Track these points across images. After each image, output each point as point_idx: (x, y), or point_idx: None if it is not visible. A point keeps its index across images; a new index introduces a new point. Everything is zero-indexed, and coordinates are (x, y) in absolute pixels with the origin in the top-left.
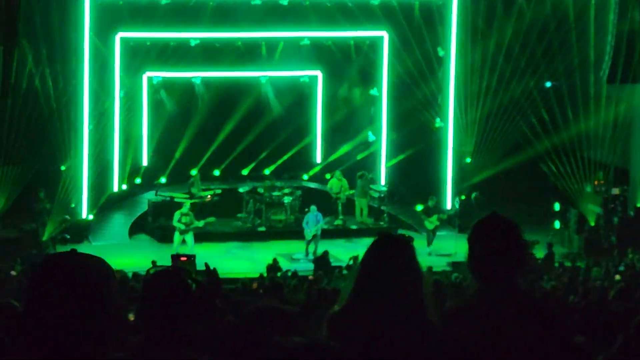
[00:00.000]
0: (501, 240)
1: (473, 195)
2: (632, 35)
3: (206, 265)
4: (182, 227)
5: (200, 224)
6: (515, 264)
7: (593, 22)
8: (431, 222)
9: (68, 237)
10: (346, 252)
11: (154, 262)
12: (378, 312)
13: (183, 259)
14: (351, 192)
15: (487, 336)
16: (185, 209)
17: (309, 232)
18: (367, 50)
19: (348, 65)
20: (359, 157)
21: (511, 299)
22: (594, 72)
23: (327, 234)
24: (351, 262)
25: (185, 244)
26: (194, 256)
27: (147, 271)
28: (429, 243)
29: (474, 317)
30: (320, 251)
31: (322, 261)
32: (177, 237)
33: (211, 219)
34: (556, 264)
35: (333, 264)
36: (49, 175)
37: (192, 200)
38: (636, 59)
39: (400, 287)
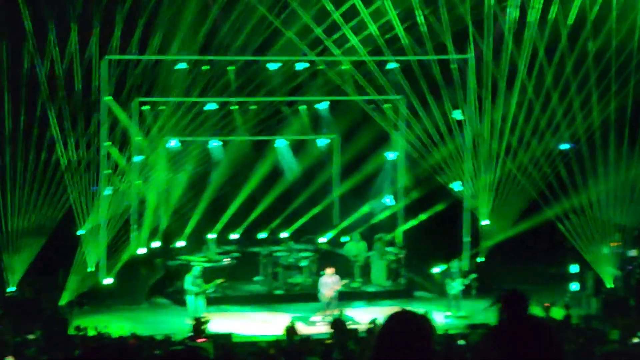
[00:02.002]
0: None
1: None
2: None
3: (221, 344)
4: (196, 289)
5: (210, 287)
6: None
7: (614, 83)
8: (454, 287)
9: (86, 301)
10: (364, 315)
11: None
12: None
13: (200, 340)
14: (369, 254)
15: None
16: (197, 272)
17: (325, 295)
18: (386, 112)
19: (365, 128)
20: (377, 219)
21: None
22: (614, 132)
23: (344, 297)
24: (371, 326)
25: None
26: (213, 337)
27: (166, 349)
28: (450, 307)
29: None
30: (337, 314)
31: (338, 324)
32: (190, 301)
33: (218, 281)
34: (573, 326)
35: (350, 327)
36: (67, 239)
37: (209, 264)
38: None
39: None
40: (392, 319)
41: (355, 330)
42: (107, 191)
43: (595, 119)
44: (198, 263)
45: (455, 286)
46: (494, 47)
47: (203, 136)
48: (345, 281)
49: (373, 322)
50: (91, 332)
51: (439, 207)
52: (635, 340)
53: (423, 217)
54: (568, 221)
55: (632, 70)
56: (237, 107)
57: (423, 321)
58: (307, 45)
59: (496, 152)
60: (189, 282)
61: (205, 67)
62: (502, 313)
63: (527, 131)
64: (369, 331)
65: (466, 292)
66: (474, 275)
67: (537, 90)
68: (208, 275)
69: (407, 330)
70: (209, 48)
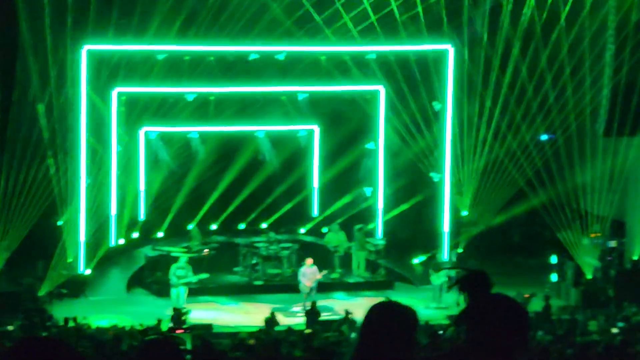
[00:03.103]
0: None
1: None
2: (628, 88)
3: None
4: (175, 280)
5: (194, 279)
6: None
7: (589, 75)
8: (438, 278)
9: (65, 291)
10: (343, 306)
11: (159, 321)
12: None
13: (179, 331)
14: (349, 245)
15: None
16: (182, 262)
17: (305, 285)
18: (364, 104)
19: (345, 119)
20: (356, 210)
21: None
22: (590, 124)
23: (324, 288)
24: (347, 316)
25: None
26: (193, 328)
27: (142, 339)
28: (434, 299)
29: None
30: (317, 305)
31: (312, 314)
32: (173, 291)
33: (204, 275)
34: (553, 317)
35: (329, 318)
36: (47, 230)
37: (190, 255)
38: (632, 112)
39: (400, 354)
40: (375, 310)
41: (334, 321)
42: (87, 181)
43: (571, 110)
44: (177, 253)
45: (440, 277)
46: (475, 40)
47: (183, 126)
48: (324, 272)
49: (346, 313)
50: (71, 323)
51: (419, 198)
52: (615, 330)
53: (404, 207)
54: (548, 212)
55: (607, 61)
56: (212, 98)
57: (406, 311)
58: (288, 35)
59: (474, 144)
60: (172, 272)
61: (186, 58)
62: (464, 295)
63: (503, 124)
64: (344, 321)
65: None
66: (458, 269)
67: (514, 84)
68: (192, 267)
69: (390, 321)
70: (188, 36)
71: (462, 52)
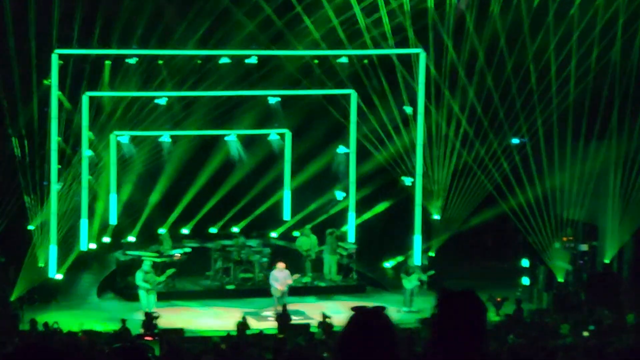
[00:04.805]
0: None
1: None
2: (596, 93)
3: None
4: (147, 286)
5: (161, 278)
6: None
7: (554, 80)
8: (410, 282)
9: (36, 297)
10: (314, 310)
11: (123, 321)
12: None
13: (148, 338)
14: (320, 249)
15: None
16: (147, 267)
17: (276, 289)
18: (335, 108)
19: (316, 123)
20: (328, 214)
21: None
22: (558, 129)
23: (296, 292)
24: (324, 319)
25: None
26: (164, 332)
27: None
28: (406, 303)
29: None
30: (288, 309)
31: (283, 317)
32: (142, 295)
33: (170, 271)
34: (525, 320)
35: (300, 322)
36: (17, 235)
37: (161, 259)
38: (600, 117)
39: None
40: (352, 321)
41: (307, 325)
42: (57, 186)
43: (538, 115)
44: (149, 258)
45: (412, 281)
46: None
47: (154, 130)
48: (296, 276)
49: (323, 315)
50: (41, 328)
51: (390, 202)
52: (586, 333)
53: (375, 211)
54: (520, 216)
55: (573, 67)
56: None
57: (382, 317)
58: (260, 40)
59: (443, 150)
60: (140, 278)
61: (160, 62)
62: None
63: (471, 131)
64: (321, 324)
65: (418, 287)
66: (431, 272)
67: (483, 88)
68: (161, 270)
69: (369, 330)
70: (163, 41)
71: (429, 57)
